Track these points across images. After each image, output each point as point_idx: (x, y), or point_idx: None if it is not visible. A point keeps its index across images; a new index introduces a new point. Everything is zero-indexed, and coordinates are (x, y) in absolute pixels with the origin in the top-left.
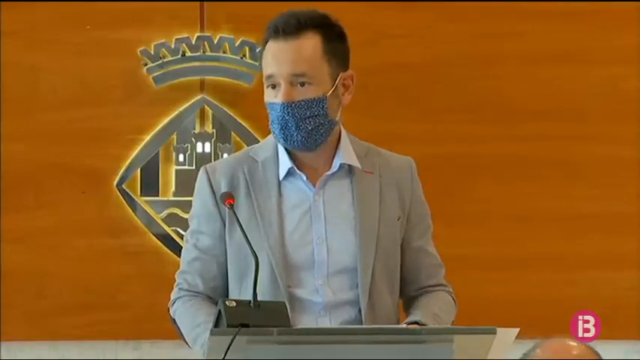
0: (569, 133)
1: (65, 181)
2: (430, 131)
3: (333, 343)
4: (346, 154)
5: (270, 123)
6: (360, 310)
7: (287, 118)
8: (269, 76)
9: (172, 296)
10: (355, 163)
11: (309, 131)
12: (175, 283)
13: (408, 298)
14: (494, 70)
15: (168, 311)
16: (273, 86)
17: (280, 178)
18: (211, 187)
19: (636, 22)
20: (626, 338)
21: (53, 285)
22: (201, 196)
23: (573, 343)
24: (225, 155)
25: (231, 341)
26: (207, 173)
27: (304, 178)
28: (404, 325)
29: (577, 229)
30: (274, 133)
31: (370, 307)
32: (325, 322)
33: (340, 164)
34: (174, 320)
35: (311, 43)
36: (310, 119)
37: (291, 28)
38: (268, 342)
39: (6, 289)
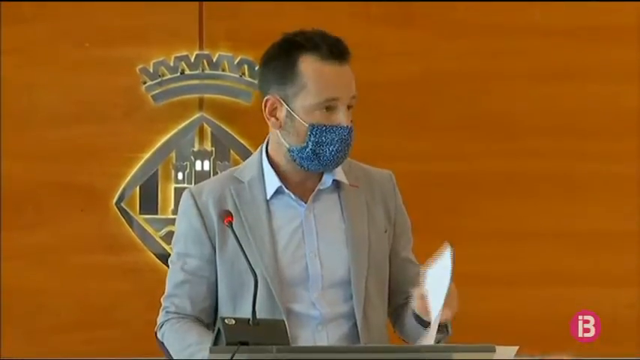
0: (569, 150)
1: (64, 199)
2: (429, 148)
3: None
4: (336, 170)
5: (308, 145)
6: (355, 324)
7: (349, 141)
8: (331, 99)
9: (159, 320)
10: (343, 178)
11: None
12: (161, 308)
13: (396, 307)
14: (493, 87)
15: (156, 335)
16: (328, 108)
17: (268, 197)
18: (198, 209)
19: (636, 38)
20: (626, 355)
21: (52, 302)
22: (187, 219)
23: None
24: None
25: (231, 359)
26: (192, 195)
27: (293, 196)
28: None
29: (577, 245)
30: (319, 155)
31: (365, 318)
32: (322, 337)
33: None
34: (162, 343)
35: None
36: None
37: (344, 51)
38: None
39: (5, 306)
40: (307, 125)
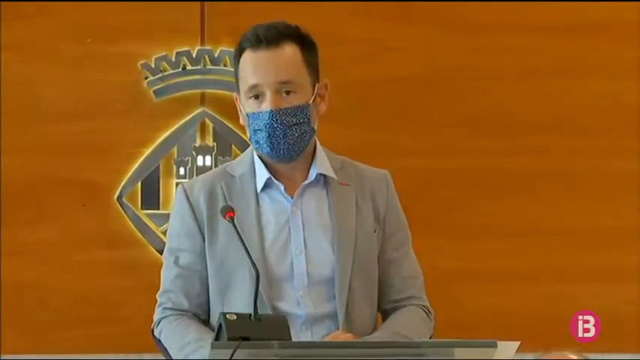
0: (569, 147)
1: (65, 194)
2: (430, 145)
3: (334, 357)
4: (322, 164)
5: (251, 134)
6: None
7: (275, 125)
8: (253, 86)
9: (156, 317)
10: (331, 174)
11: (295, 138)
12: (157, 304)
13: (383, 312)
14: (494, 83)
15: (152, 332)
16: (257, 97)
17: (258, 191)
18: (190, 204)
19: (636, 35)
20: (626, 351)
21: (53, 298)
22: (180, 214)
23: (574, 357)
24: None
25: (232, 354)
26: (185, 191)
27: (282, 188)
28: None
29: (577, 242)
30: (258, 142)
31: (348, 319)
32: (307, 337)
33: (317, 174)
34: (159, 341)
35: (292, 51)
36: (296, 127)
37: (271, 37)
38: (269, 355)
39: (6, 302)
40: (246, 115)
